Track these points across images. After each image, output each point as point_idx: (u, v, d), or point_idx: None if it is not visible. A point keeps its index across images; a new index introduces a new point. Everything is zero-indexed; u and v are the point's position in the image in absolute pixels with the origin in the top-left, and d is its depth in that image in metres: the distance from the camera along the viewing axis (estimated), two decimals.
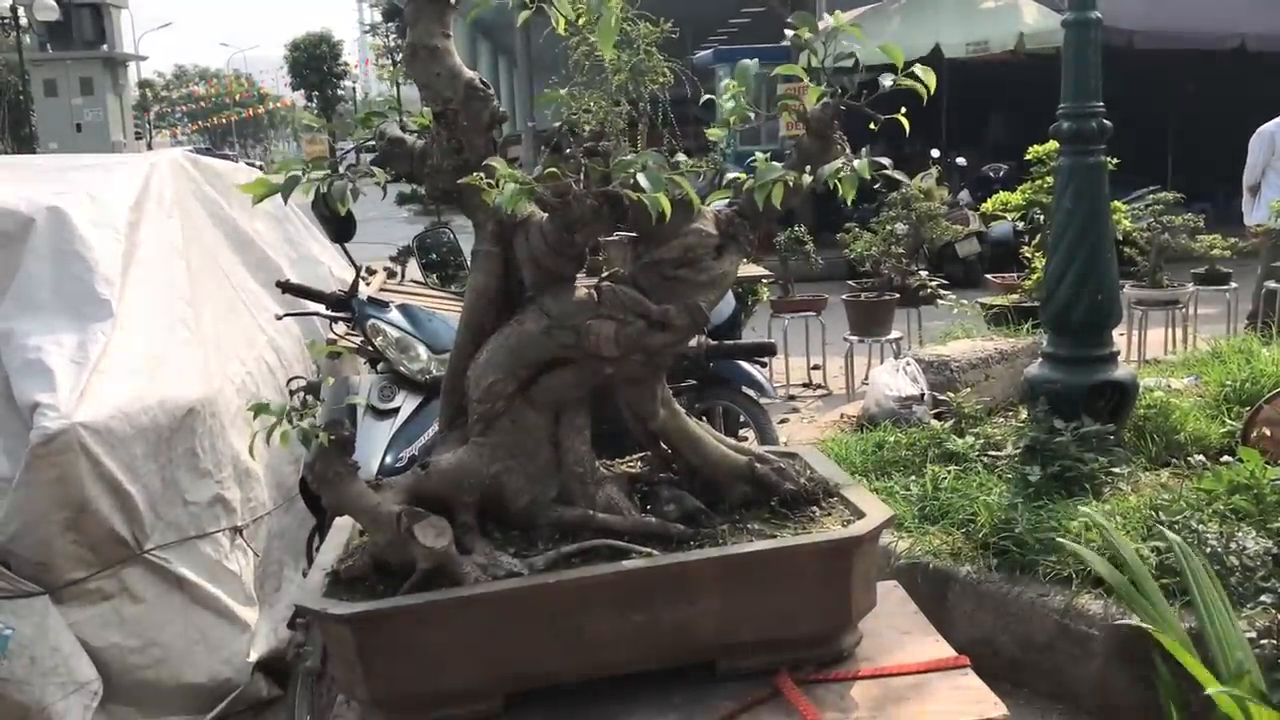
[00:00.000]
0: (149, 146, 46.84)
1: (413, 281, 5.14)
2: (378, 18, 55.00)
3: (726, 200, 1.75)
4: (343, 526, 1.83)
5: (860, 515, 1.66)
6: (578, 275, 1.69)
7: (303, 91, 54.80)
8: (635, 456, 1.87)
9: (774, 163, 1.61)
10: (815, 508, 1.72)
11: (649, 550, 1.59)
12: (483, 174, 1.57)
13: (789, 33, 1.59)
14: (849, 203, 1.70)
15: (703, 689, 1.61)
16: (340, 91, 56.20)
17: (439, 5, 1.65)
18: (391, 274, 4.99)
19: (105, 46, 27.86)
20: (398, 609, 1.50)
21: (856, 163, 1.55)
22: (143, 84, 53.81)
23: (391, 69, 56.60)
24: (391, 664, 1.51)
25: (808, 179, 1.60)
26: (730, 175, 1.78)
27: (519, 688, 1.57)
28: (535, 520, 1.65)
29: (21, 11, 26.35)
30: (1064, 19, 4.59)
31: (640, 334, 1.62)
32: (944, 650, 1.68)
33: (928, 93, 1.59)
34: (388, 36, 54.95)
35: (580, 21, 1.59)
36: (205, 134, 64.88)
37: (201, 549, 3.67)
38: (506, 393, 1.65)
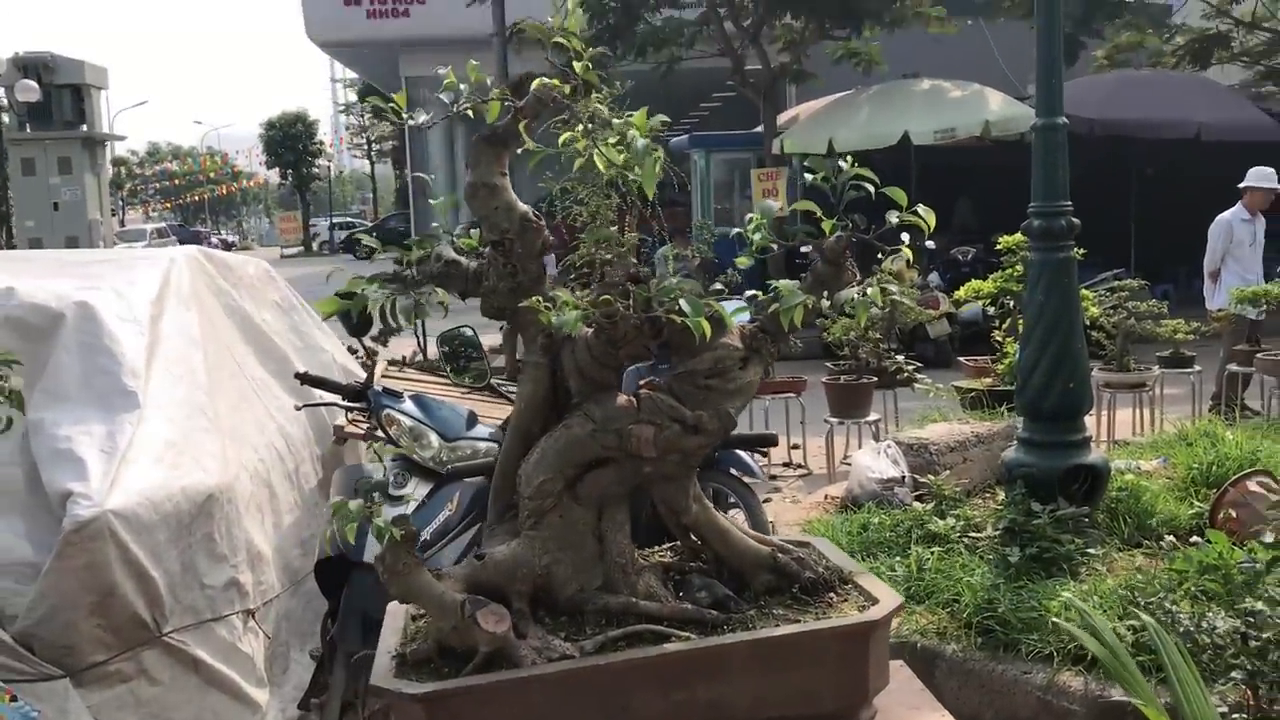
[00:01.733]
0: (121, 224, 46.96)
1: (411, 367, 5.32)
2: (352, 97, 55.77)
3: (749, 315, 1.96)
4: (396, 613, 2.00)
5: (874, 601, 1.86)
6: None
7: (277, 169, 55.22)
8: (666, 546, 2.05)
9: (795, 288, 1.82)
10: (833, 594, 1.91)
11: (687, 634, 1.77)
12: (538, 297, 1.78)
13: (807, 175, 1.80)
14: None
15: None
16: (315, 169, 56.67)
17: (497, 149, 1.87)
18: (371, 354, 5.16)
19: (84, 127, 28.03)
20: (465, 689, 1.66)
21: (869, 290, 1.77)
22: (116, 161, 54.09)
23: (365, 149, 57.38)
24: None
25: (825, 303, 1.82)
26: (749, 293, 1.99)
27: None
28: (582, 607, 1.83)
29: (1, 92, 26.62)
30: (1033, 124, 4.89)
31: (676, 437, 1.82)
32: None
33: (901, 186, 1.79)
34: (362, 116, 55.67)
35: (621, 161, 1.80)
36: (177, 211, 65.06)
37: (217, 631, 3.78)
38: (556, 490, 1.84)
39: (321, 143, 57.20)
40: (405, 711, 1.69)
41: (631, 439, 1.82)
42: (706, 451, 1.87)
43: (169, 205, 63.75)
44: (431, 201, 2.26)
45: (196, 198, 60.86)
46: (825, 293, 1.84)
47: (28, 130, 27.31)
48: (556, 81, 1.80)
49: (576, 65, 1.82)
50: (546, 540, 1.83)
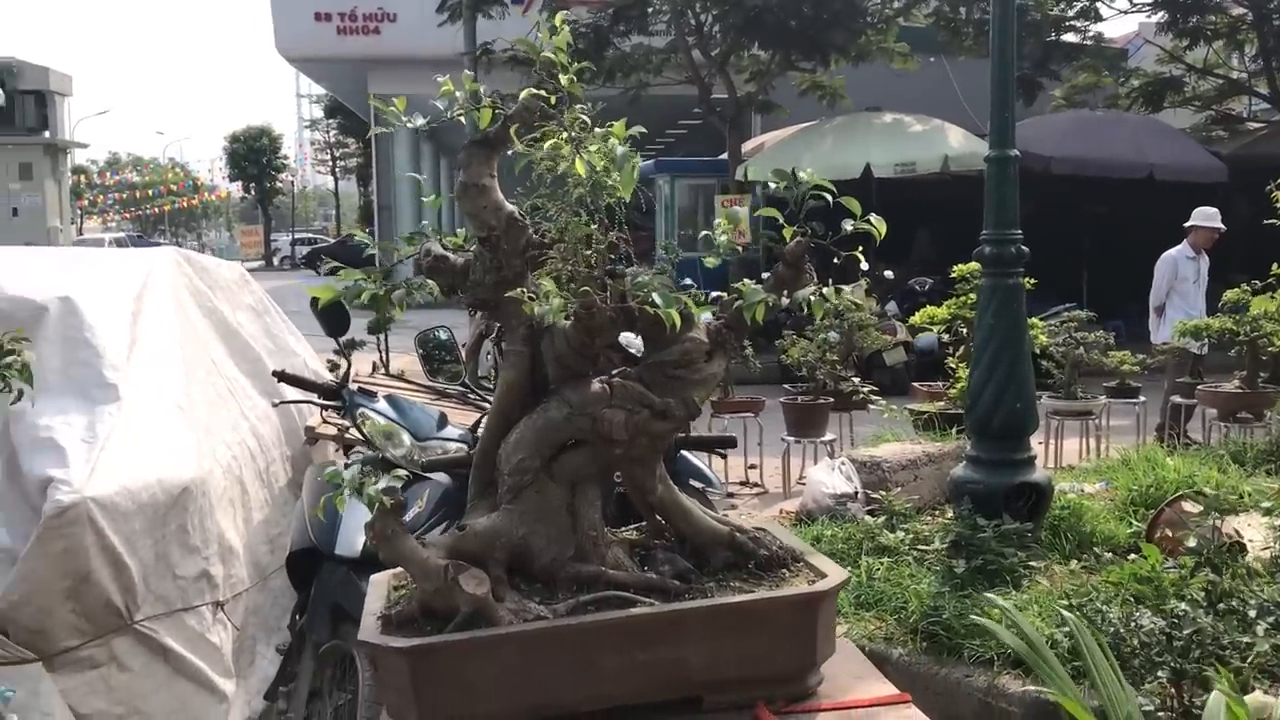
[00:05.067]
0: (79, 232, 46.55)
1: (383, 374, 5.45)
2: (318, 113, 55.81)
3: (713, 313, 2.13)
4: (380, 581, 2.15)
5: (822, 576, 2.03)
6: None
7: (240, 183, 55.07)
8: (632, 526, 2.22)
9: (756, 287, 1.99)
10: (785, 570, 2.08)
11: (651, 600, 1.93)
12: (522, 289, 1.94)
13: (772, 185, 1.98)
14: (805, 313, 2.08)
15: None
16: (278, 184, 56.57)
17: (486, 151, 2.04)
18: (334, 366, 5.28)
19: (47, 133, 27.92)
20: (446, 644, 1.81)
21: (825, 290, 1.95)
22: (76, 170, 53.66)
23: (330, 165, 57.36)
24: (438, 692, 1.82)
25: (784, 300, 1.99)
26: (714, 294, 2.16)
27: (540, 715, 1.88)
28: (555, 575, 1.98)
29: None
30: (986, 155, 5.13)
31: (645, 422, 1.99)
32: (889, 689, 2.04)
33: (861, 213, 1.97)
34: (328, 132, 55.70)
35: (599, 168, 1.97)
36: (137, 222, 64.56)
37: (187, 621, 3.87)
38: (533, 468, 2.00)
39: (286, 157, 57.12)
40: (391, 664, 1.83)
41: (604, 423, 1.98)
42: (673, 436, 2.03)
43: (128, 215, 63.24)
44: (423, 200, 2.41)
45: (156, 209, 60.38)
46: (785, 292, 2.01)
47: None
48: (544, 92, 1.97)
49: (562, 78, 1.99)
50: (524, 513, 1.99)
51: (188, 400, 4.13)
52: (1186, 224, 9.46)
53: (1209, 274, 9.60)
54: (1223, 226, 9.42)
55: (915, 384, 9.29)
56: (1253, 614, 3.37)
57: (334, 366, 5.31)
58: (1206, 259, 9.48)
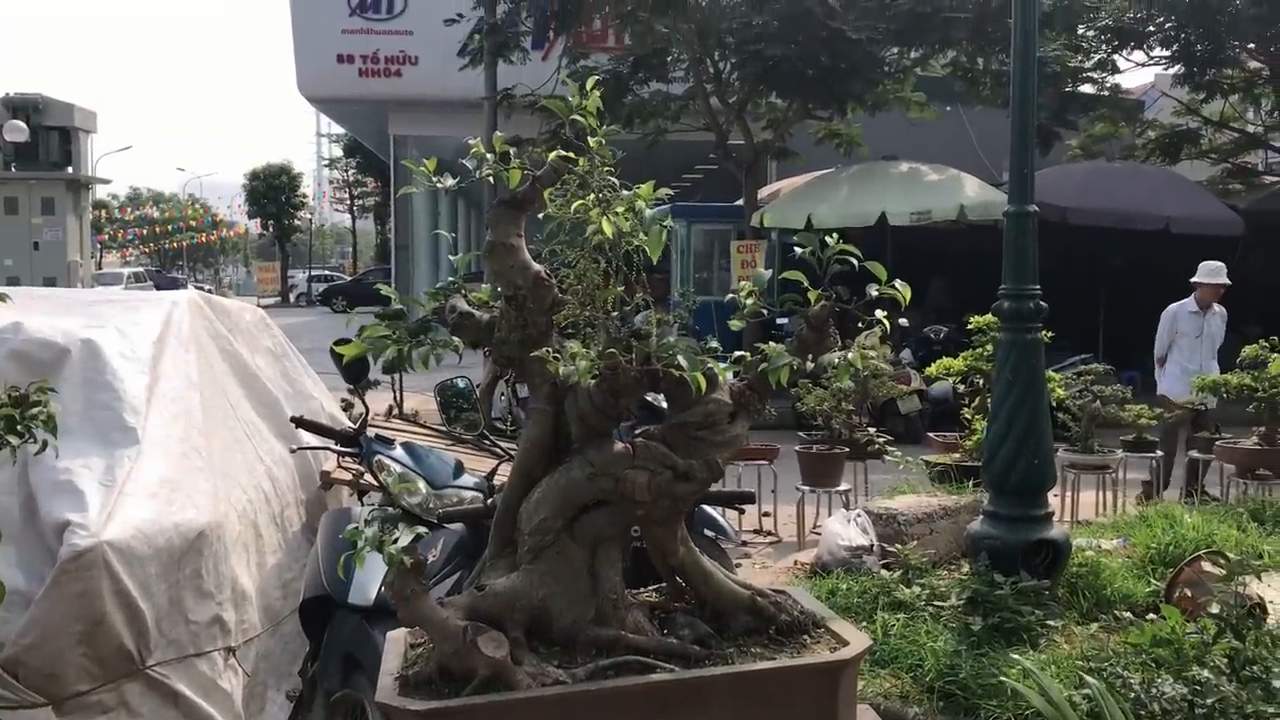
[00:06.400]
0: (99, 266, 46.89)
1: (398, 417, 5.46)
2: (337, 152, 56.30)
3: (736, 373, 2.13)
4: (397, 639, 2.13)
5: (844, 643, 2.01)
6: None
7: (259, 220, 55.46)
8: (652, 588, 2.20)
9: (781, 348, 1.99)
10: (806, 636, 2.06)
11: (671, 666, 1.91)
12: (548, 348, 1.94)
13: (796, 250, 1.98)
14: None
15: None
16: (296, 221, 56.96)
17: (514, 212, 2.05)
18: (348, 405, 5.28)
19: (70, 169, 28.19)
20: (464, 708, 1.79)
21: (850, 355, 1.94)
22: (97, 205, 54.14)
23: (348, 204, 57.80)
24: None
25: (809, 365, 1.99)
26: (735, 354, 2.16)
27: None
28: (575, 638, 1.97)
29: None
30: (1005, 210, 5.13)
31: (668, 483, 1.98)
32: None
33: (879, 264, 1.97)
34: (346, 171, 56.18)
35: (627, 228, 1.98)
36: (155, 257, 65.04)
37: (198, 667, 3.85)
38: (555, 528, 1.99)
39: (305, 195, 57.57)
40: None
41: (627, 484, 1.97)
42: (696, 498, 2.02)
43: (147, 250, 63.74)
44: (451, 258, 2.42)
45: (175, 244, 60.85)
46: (809, 356, 2.01)
47: (13, 170, 27.43)
48: (573, 155, 1.98)
49: (591, 141, 2.00)
50: (544, 574, 1.98)
51: (205, 444, 4.13)
52: (1192, 279, 9.43)
53: (1228, 327, 9.54)
54: (1227, 281, 9.36)
55: (930, 434, 9.25)
56: (1277, 684, 3.31)
57: (348, 406, 5.33)
58: (1219, 314, 9.40)
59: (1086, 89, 18.32)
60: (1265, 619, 4.20)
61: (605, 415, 1.99)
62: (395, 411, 5.49)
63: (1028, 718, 3.77)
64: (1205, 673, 3.25)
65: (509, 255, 2.02)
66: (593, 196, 1.93)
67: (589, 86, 1.99)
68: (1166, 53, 17.54)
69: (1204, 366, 9.15)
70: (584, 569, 2.01)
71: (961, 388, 8.26)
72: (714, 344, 2.02)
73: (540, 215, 2.03)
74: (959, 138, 20.08)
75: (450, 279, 2.21)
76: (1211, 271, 9.34)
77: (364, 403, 4.04)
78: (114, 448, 3.72)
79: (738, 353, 2.16)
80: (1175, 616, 4.03)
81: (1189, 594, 4.66)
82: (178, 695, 3.76)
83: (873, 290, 1.95)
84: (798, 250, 1.98)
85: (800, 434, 8.34)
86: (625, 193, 1.96)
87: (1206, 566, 4.79)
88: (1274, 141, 19.48)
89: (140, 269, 46.66)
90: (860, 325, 1.98)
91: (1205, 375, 8.44)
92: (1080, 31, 17.24)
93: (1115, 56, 18.08)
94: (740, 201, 17.70)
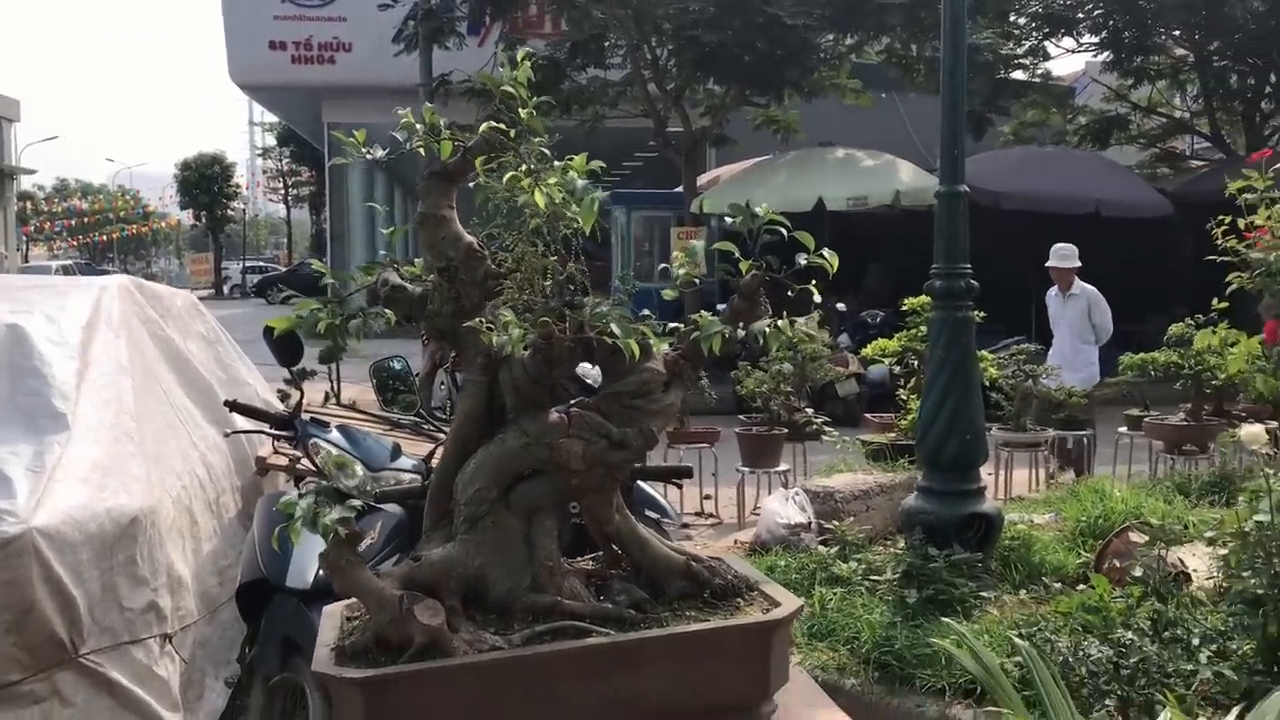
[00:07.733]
0: (25, 259, 45.82)
1: (335, 404, 5.40)
2: (271, 141, 55.50)
3: (671, 344, 2.15)
4: (333, 613, 2.13)
5: (776, 605, 2.04)
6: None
7: (191, 210, 54.51)
8: (588, 556, 2.23)
9: (713, 319, 2.02)
10: (739, 599, 2.09)
11: (607, 630, 1.93)
12: (481, 319, 1.95)
13: (728, 218, 2.01)
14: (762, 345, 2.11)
15: None
16: (230, 212, 56.06)
17: (445, 183, 2.05)
18: (285, 395, 5.22)
19: None
20: (401, 675, 1.80)
21: (780, 322, 1.97)
22: (22, 196, 52.85)
23: (282, 193, 56.99)
24: None
25: (740, 333, 2.02)
26: (670, 326, 2.18)
27: None
28: (511, 605, 1.98)
29: None
30: (936, 191, 5.21)
31: (603, 452, 2.00)
32: (842, 719, 2.05)
33: (814, 247, 2.01)
34: (280, 160, 55.39)
35: (557, 200, 1.99)
36: (85, 249, 63.65)
37: (133, 654, 3.80)
38: (490, 498, 2.00)
39: (238, 185, 56.67)
40: (345, 695, 1.82)
41: (561, 452, 1.99)
42: (630, 466, 2.05)
43: (75, 243, 62.36)
44: (384, 231, 2.42)
45: (105, 236, 59.58)
46: (741, 325, 2.04)
47: None
48: (503, 125, 1.99)
49: (521, 112, 2.01)
50: (480, 544, 1.99)
51: (138, 430, 4.07)
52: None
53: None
54: (1077, 264, 9.25)
55: (867, 415, 9.37)
56: (1196, 642, 3.43)
57: (285, 396, 5.27)
58: (1083, 295, 9.32)
59: (1019, 76, 18.62)
60: (1188, 585, 4.33)
61: (540, 385, 2.01)
62: (334, 400, 5.43)
63: (961, 684, 3.85)
64: (1130, 635, 3.35)
65: (440, 227, 2.03)
66: (525, 167, 1.94)
67: (520, 59, 2.00)
68: (1095, 39, 17.87)
69: (1063, 349, 9.15)
70: (520, 538, 2.02)
71: (898, 369, 8.37)
72: (647, 313, 2.04)
73: (471, 185, 2.04)
74: (894, 124, 20.29)
75: (383, 253, 2.21)
76: (1060, 253, 9.32)
77: (299, 387, 4.01)
78: (43, 434, 3.66)
79: (673, 324, 2.18)
80: (1103, 585, 4.13)
81: (1117, 564, 4.78)
82: (112, 684, 3.70)
83: (802, 259, 1.98)
84: (728, 220, 2.01)
85: (741, 417, 8.41)
86: (557, 164, 1.97)
87: (1134, 538, 4.91)
88: (1199, 127, 19.91)
89: (69, 262, 45.66)
90: (790, 295, 2.01)
91: (1067, 359, 8.61)
92: (1012, 19, 17.51)
93: (1046, 43, 18.38)
94: (680, 188, 17.75)
